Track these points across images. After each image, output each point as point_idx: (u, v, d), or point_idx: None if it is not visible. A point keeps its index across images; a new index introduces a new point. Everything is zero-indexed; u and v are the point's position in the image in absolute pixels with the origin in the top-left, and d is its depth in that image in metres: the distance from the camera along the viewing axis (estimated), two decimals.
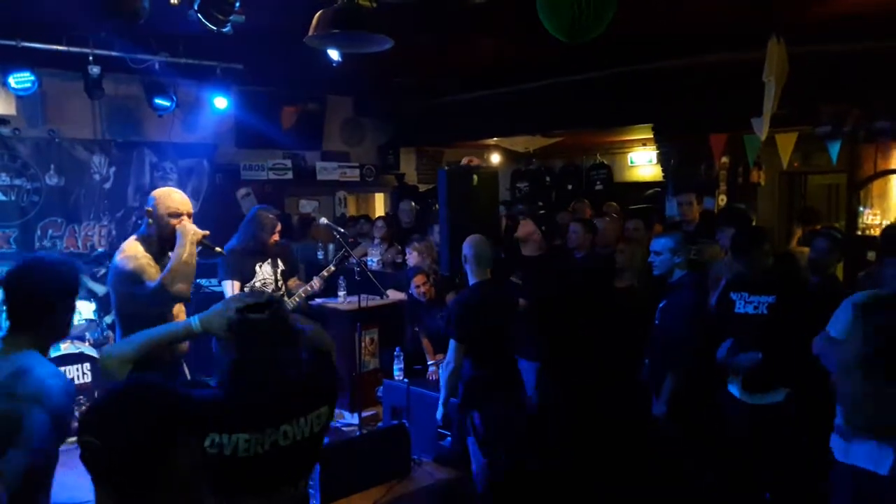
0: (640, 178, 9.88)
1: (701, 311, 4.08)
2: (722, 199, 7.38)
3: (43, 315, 2.15)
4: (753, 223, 5.99)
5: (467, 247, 4.09)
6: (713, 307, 4.13)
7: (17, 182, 6.60)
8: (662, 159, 7.54)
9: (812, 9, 4.90)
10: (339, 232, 5.81)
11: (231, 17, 4.07)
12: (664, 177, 7.56)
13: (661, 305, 4.18)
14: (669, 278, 4.16)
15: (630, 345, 4.49)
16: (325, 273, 5.47)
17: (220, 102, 6.89)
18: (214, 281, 6.47)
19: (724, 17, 5.15)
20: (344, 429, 5.78)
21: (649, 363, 4.28)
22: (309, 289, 5.33)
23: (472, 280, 4.11)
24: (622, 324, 4.66)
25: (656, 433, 4.09)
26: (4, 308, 2.13)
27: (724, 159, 7.34)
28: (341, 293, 6.29)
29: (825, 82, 5.65)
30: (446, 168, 5.07)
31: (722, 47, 5.81)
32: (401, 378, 5.36)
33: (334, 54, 4.95)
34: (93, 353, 5.57)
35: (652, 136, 7.70)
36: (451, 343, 3.95)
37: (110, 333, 6.24)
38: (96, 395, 5.48)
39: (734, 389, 3.85)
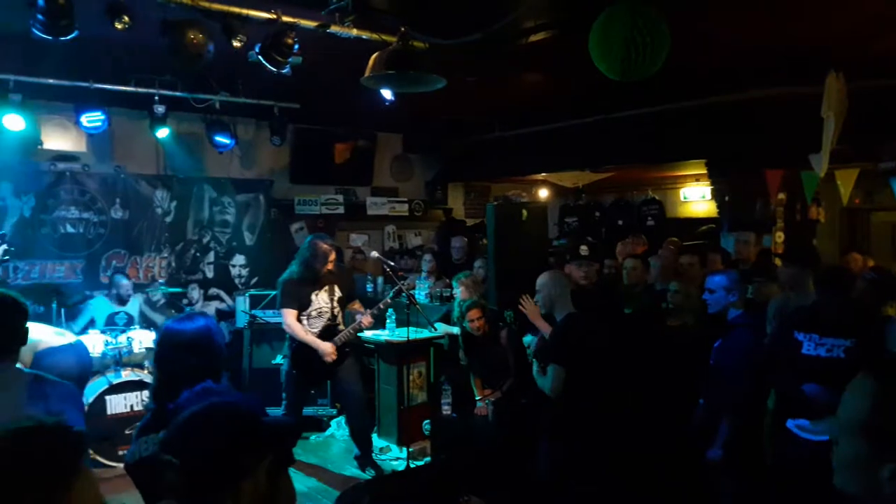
0: (693, 213, 9.73)
1: (757, 352, 3.96)
2: (779, 237, 7.21)
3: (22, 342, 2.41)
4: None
5: (553, 284, 4.02)
6: (769, 346, 4.01)
7: (84, 215, 6.91)
8: (716, 195, 7.43)
9: (872, 44, 4.82)
10: (388, 265, 5.89)
11: (290, 59, 4.22)
12: (718, 213, 7.44)
13: (716, 345, 4.08)
14: (726, 317, 4.06)
15: (682, 384, 4.38)
16: (381, 305, 5.56)
17: (277, 140, 7.11)
18: (269, 312, 6.64)
19: (782, 52, 5.10)
20: (392, 462, 5.78)
21: (704, 404, 4.18)
22: (362, 325, 5.42)
23: (560, 314, 4.02)
24: (673, 362, 4.56)
25: (711, 477, 3.97)
26: None
27: (781, 195, 7.18)
28: (390, 326, 6.34)
29: (886, 118, 5.51)
30: (495, 203, 5.11)
31: (778, 82, 5.74)
32: (448, 413, 5.34)
33: (387, 93, 5.07)
34: (151, 380, 5.71)
35: (705, 171, 7.60)
36: (552, 370, 3.84)
37: None
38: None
39: (796, 428, 3.70)
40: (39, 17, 3.61)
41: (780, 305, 4.54)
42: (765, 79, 5.75)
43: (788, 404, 3.74)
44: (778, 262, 5.86)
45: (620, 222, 10.06)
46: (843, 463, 1.31)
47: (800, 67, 5.23)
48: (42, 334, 4.24)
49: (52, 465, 0.90)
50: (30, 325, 2.45)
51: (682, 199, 9.97)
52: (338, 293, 5.44)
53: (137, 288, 6.92)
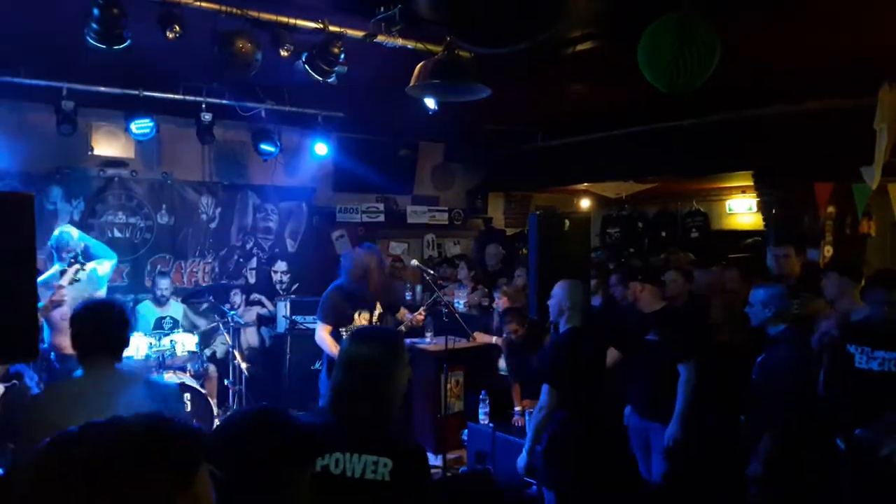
0: (739, 226, 9.54)
1: (800, 367, 3.85)
2: (828, 251, 7.02)
3: (126, 342, 2.66)
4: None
5: (567, 295, 4.00)
6: (826, 361, 3.90)
7: (132, 220, 7.08)
8: (763, 207, 7.27)
9: None
10: (428, 274, 5.90)
11: (335, 69, 4.27)
12: (765, 226, 7.28)
13: (759, 360, 4.00)
14: (768, 332, 3.97)
15: (725, 401, 4.29)
16: (418, 315, 5.62)
17: (321, 148, 7.20)
18: (309, 318, 6.71)
19: (835, 63, 4.98)
20: None
21: (746, 420, 4.08)
22: (409, 323, 5.54)
23: (564, 326, 4.03)
24: (718, 378, 4.47)
25: (751, 495, 3.87)
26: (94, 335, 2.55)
27: (831, 209, 7.00)
28: (428, 334, 6.34)
29: None
30: (537, 213, 5.08)
31: (830, 93, 5.60)
32: (486, 422, 5.32)
33: (431, 103, 5.09)
34: (193, 383, 5.81)
35: (752, 183, 7.45)
36: (545, 388, 3.89)
37: (210, 365, 6.52)
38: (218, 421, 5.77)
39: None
40: (94, 26, 3.70)
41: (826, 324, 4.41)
42: (816, 90, 5.62)
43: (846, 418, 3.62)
44: None
45: (664, 234, 9.93)
46: None
47: (853, 79, 5.10)
48: None
49: (179, 459, 0.90)
50: None
51: (727, 210, 9.78)
52: (378, 309, 5.53)
53: (181, 292, 7.06)
